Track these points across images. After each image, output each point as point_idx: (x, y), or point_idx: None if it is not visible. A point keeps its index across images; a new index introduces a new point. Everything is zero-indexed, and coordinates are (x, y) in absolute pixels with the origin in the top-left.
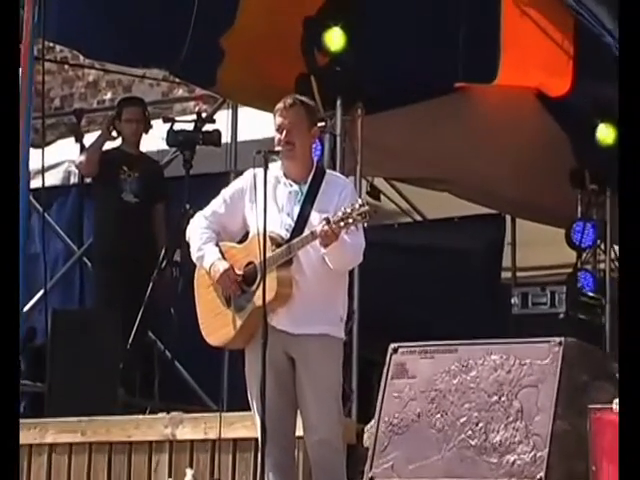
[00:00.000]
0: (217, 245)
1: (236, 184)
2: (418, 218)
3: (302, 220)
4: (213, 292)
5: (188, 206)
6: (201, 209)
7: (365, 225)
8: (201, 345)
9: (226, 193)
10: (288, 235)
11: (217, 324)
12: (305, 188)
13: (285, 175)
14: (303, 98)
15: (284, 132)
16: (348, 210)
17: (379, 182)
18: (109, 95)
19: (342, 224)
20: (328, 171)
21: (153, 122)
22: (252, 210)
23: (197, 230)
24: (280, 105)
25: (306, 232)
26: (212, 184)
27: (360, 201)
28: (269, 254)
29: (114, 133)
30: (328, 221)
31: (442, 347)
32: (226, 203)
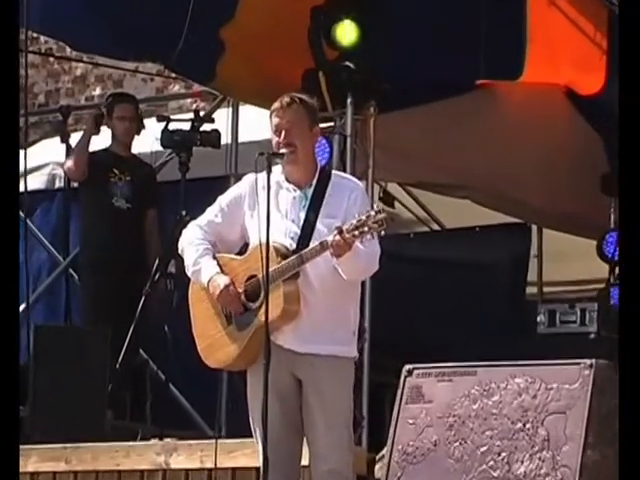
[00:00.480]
0: (214, 258)
1: (234, 190)
2: (436, 227)
3: (308, 227)
4: (211, 309)
5: (184, 212)
6: (198, 216)
7: (382, 233)
8: (197, 365)
9: (223, 200)
10: (294, 245)
11: (217, 344)
12: (310, 192)
13: (287, 180)
14: (301, 95)
15: (283, 134)
16: (363, 218)
17: (393, 187)
18: (98, 91)
19: (356, 233)
20: (335, 172)
21: (146, 121)
22: (252, 218)
23: (192, 242)
24: (276, 105)
25: (314, 241)
26: (210, 189)
27: (376, 207)
28: (274, 267)
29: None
30: (340, 231)
31: (461, 369)
32: (223, 211)
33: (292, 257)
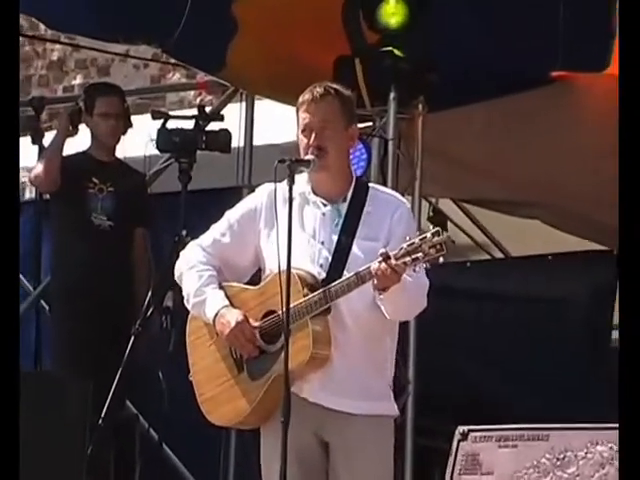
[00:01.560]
0: (221, 288)
1: (247, 203)
2: (498, 255)
3: (342, 252)
4: (216, 352)
5: (184, 233)
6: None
7: (440, 260)
8: (198, 421)
9: (232, 215)
10: (323, 273)
11: (224, 396)
12: (344, 208)
13: (314, 192)
14: (337, 86)
15: (313, 134)
16: (416, 241)
17: (445, 204)
18: (79, 79)
19: (408, 260)
20: (373, 186)
21: (139, 118)
22: (270, 239)
23: (193, 266)
24: (307, 96)
25: (349, 269)
26: (218, 203)
27: (432, 228)
28: (300, 300)
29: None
30: (387, 257)
31: (529, 432)
32: (232, 229)
33: (323, 289)
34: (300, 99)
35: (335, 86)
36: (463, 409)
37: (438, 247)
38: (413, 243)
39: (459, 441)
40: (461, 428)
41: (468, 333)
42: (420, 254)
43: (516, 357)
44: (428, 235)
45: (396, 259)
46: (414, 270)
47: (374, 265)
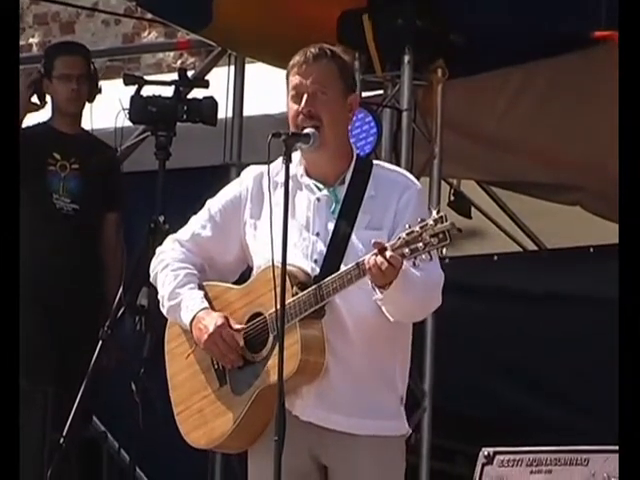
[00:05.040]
0: (201, 288)
1: (229, 191)
2: (531, 246)
3: (339, 243)
4: (195, 363)
5: (162, 219)
6: (182, 223)
7: (444, 252)
8: (177, 441)
9: (213, 205)
10: (317, 269)
11: (203, 414)
12: (342, 192)
13: (307, 173)
14: (334, 48)
15: (304, 100)
16: (416, 229)
17: (469, 187)
18: (37, 37)
19: (406, 251)
20: (377, 163)
21: (109, 83)
22: (257, 231)
23: (168, 264)
24: (297, 58)
25: (348, 263)
26: (201, 184)
27: (435, 213)
28: (288, 300)
29: (35, 99)
30: (383, 248)
31: (566, 455)
32: (213, 221)
33: (313, 287)
34: (291, 62)
35: (332, 47)
36: (488, 427)
37: (441, 236)
38: (413, 232)
39: (483, 465)
40: (486, 450)
41: (495, 339)
42: (420, 244)
43: (551, 368)
44: (430, 222)
45: (393, 250)
46: (414, 264)
47: (367, 258)
